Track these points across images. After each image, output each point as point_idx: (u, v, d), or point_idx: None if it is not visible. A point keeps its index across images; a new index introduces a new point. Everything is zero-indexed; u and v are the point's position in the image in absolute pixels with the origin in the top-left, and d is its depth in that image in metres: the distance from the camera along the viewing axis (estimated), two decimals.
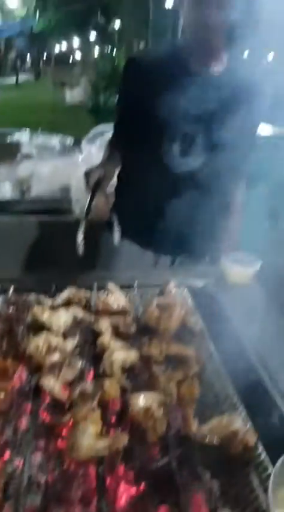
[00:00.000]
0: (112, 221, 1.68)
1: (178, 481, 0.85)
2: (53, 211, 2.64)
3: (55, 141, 3.79)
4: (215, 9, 1.46)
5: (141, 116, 1.65)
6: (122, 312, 1.35)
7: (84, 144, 3.42)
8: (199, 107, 1.60)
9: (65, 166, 2.98)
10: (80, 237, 1.52)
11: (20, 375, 1.11)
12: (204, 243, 1.76)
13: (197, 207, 1.72)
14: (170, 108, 1.57)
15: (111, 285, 1.43)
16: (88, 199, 1.61)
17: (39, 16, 23.73)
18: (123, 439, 0.88)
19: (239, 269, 1.61)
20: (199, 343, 1.26)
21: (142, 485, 0.85)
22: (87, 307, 1.38)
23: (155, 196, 1.70)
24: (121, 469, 0.88)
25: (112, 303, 1.36)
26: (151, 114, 1.61)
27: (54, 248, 1.87)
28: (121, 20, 21.86)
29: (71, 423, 0.93)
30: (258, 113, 1.69)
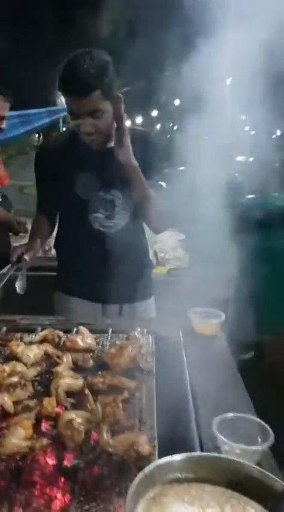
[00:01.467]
0: (21, 271, 1.86)
1: (80, 478, 1.04)
2: None
3: None
4: (89, 119, 1.75)
5: (61, 195, 1.93)
6: (87, 350, 1.58)
7: None
8: (105, 175, 1.89)
9: None
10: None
11: None
12: (139, 287, 2.01)
13: (128, 257, 1.97)
14: (81, 181, 1.84)
15: (81, 328, 1.67)
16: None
17: None
18: (42, 442, 1.10)
19: (204, 320, 1.81)
20: (144, 379, 1.46)
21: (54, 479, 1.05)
22: (58, 345, 1.63)
23: (91, 254, 1.96)
24: (39, 464, 1.08)
25: (79, 341, 1.60)
26: (69, 191, 1.88)
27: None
28: (180, 99, 23.11)
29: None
30: (150, 170, 1.90)
